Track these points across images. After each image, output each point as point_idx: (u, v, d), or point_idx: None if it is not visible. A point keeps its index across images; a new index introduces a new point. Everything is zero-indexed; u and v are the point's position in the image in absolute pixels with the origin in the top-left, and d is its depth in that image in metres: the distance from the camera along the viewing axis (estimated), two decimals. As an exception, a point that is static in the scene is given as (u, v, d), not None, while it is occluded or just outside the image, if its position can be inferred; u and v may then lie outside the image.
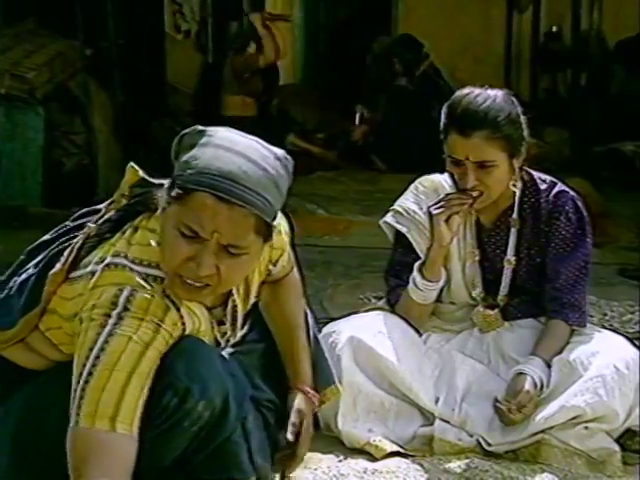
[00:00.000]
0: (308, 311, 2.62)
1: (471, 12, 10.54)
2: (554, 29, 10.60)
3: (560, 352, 2.91)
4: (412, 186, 3.12)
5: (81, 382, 1.95)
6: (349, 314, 3.19)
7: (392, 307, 3.11)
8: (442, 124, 2.88)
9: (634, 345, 2.95)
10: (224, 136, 2.00)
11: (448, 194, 2.93)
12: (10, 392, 2.20)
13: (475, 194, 2.87)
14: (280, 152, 2.03)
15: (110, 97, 6.53)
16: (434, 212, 2.92)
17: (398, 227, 3.05)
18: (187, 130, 2.03)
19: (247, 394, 2.28)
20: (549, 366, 2.88)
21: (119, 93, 6.41)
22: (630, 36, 8.61)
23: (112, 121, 6.53)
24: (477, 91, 2.87)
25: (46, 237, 2.28)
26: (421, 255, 3.01)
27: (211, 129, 2.00)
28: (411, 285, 3.01)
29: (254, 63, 8.54)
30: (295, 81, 11.12)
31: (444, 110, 2.88)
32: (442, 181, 3.07)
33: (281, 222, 2.30)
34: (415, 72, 8.01)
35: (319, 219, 6.38)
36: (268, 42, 8.72)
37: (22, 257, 2.29)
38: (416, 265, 3.00)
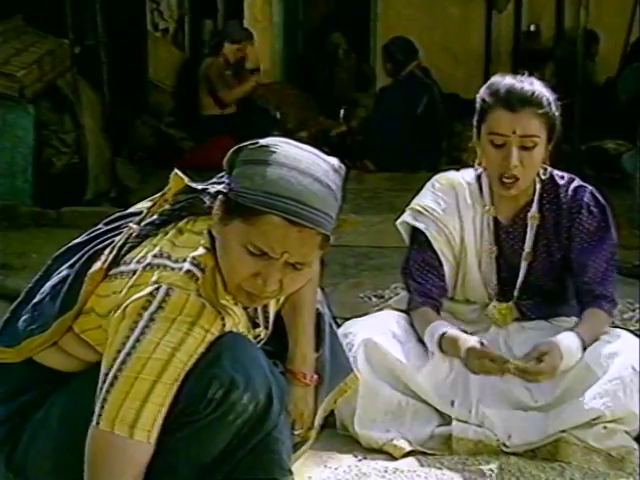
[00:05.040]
0: (324, 302, 2.57)
1: (450, 11, 10.60)
2: (532, 28, 10.68)
3: (596, 339, 2.89)
4: (428, 184, 3.12)
5: (106, 383, 1.96)
6: (351, 314, 3.18)
7: (408, 312, 3.09)
8: (479, 106, 2.89)
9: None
10: (286, 153, 1.98)
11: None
12: (47, 396, 2.18)
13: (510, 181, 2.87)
14: (336, 163, 2.04)
15: (98, 95, 6.49)
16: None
17: (417, 225, 3.04)
18: (246, 143, 2.02)
19: (285, 391, 2.23)
20: (584, 346, 2.85)
21: (107, 91, 6.37)
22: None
23: (100, 120, 6.49)
24: (515, 76, 2.91)
25: (76, 240, 2.26)
26: (439, 253, 3.02)
27: (271, 144, 1.99)
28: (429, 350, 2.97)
29: (237, 62, 8.46)
30: (275, 79, 11.09)
31: (483, 92, 2.89)
32: (459, 178, 3.08)
33: None
34: (402, 72, 8.00)
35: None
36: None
37: (49, 262, 2.26)
38: (436, 337, 2.93)
